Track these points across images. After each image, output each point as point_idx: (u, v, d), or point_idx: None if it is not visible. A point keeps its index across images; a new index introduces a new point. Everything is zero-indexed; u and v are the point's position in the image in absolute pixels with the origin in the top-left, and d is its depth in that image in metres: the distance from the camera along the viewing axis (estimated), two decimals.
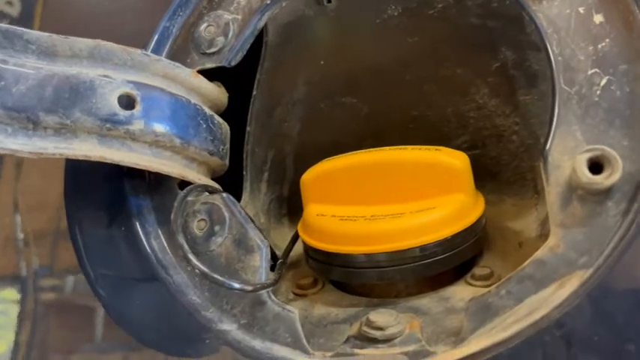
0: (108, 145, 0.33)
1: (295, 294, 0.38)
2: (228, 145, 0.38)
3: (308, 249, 0.37)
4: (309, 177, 0.37)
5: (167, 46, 0.38)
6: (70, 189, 0.40)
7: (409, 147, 0.36)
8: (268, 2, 0.37)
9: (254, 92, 0.40)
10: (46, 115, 0.31)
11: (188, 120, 0.35)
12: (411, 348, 0.31)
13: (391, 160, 0.35)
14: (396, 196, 0.34)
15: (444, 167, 0.34)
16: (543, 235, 0.34)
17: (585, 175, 0.29)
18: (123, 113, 0.32)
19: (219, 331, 0.34)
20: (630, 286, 0.33)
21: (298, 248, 0.39)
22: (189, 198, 0.35)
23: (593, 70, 0.31)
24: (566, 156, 0.30)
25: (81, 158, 0.32)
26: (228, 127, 0.38)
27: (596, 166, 0.29)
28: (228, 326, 0.34)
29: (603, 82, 0.30)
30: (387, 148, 0.36)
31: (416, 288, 0.35)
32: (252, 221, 0.35)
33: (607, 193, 0.29)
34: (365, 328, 0.32)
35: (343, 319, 0.34)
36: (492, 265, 0.35)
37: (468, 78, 0.41)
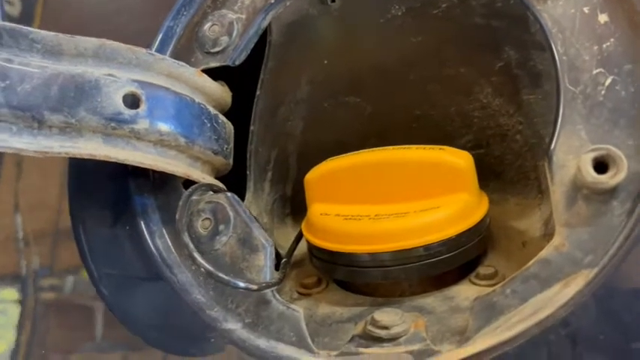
0: (113, 144, 0.33)
1: (299, 293, 0.38)
2: (232, 145, 0.38)
3: (312, 248, 0.37)
4: (313, 176, 0.37)
5: (171, 46, 0.39)
6: (74, 188, 0.40)
7: (413, 146, 0.36)
8: (272, 1, 0.37)
9: (258, 92, 0.40)
10: (51, 114, 0.31)
11: (192, 119, 0.35)
12: (416, 347, 0.31)
13: (395, 160, 0.36)
14: (400, 195, 0.35)
15: (448, 167, 0.34)
16: (547, 235, 0.34)
17: (590, 174, 0.29)
18: (128, 112, 0.32)
19: (224, 330, 0.34)
20: (636, 285, 0.33)
21: (302, 247, 0.39)
22: (194, 197, 0.35)
23: (597, 70, 0.31)
24: (570, 155, 0.30)
25: (86, 157, 0.32)
26: (232, 127, 0.38)
27: (601, 165, 0.29)
28: (233, 325, 0.34)
29: (608, 81, 0.31)
30: (391, 147, 0.36)
31: (420, 287, 0.35)
32: (257, 220, 0.35)
33: (612, 192, 0.29)
34: (370, 327, 0.32)
35: (348, 318, 0.35)
36: (496, 264, 0.35)
37: (471, 77, 0.41)
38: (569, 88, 0.31)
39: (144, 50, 0.34)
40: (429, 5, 0.39)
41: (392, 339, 0.31)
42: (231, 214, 0.35)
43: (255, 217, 0.35)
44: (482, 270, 0.35)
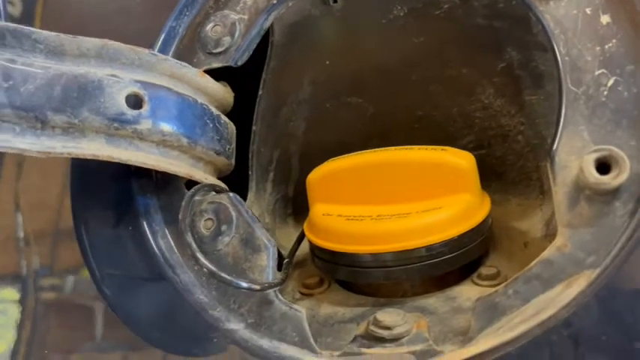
0: (116, 145, 0.33)
1: (302, 293, 0.38)
2: (234, 145, 0.38)
3: (314, 248, 0.37)
4: (316, 177, 0.37)
5: (173, 46, 0.39)
6: (76, 188, 0.40)
7: (415, 147, 0.36)
8: (275, 2, 0.37)
9: (260, 92, 0.41)
10: (54, 115, 0.31)
11: (195, 119, 0.35)
12: (418, 347, 0.31)
13: (397, 160, 0.36)
14: (403, 195, 0.35)
15: (450, 167, 0.34)
16: (549, 235, 0.34)
17: (593, 175, 0.29)
18: (131, 113, 0.33)
19: (227, 330, 0.34)
20: (638, 285, 0.33)
21: (304, 248, 0.39)
22: (197, 197, 0.35)
23: (600, 71, 0.31)
24: (573, 156, 0.30)
25: (89, 157, 0.32)
26: (234, 127, 0.38)
27: (603, 166, 0.29)
28: (236, 325, 0.34)
29: (610, 82, 0.31)
30: (393, 148, 0.36)
31: (422, 288, 0.36)
32: (259, 221, 0.35)
33: (614, 193, 0.29)
34: (372, 328, 0.32)
35: (350, 318, 0.35)
36: (498, 264, 0.36)
37: (473, 78, 0.41)
38: (571, 88, 0.31)
39: (146, 51, 0.34)
40: (431, 6, 0.39)
41: (394, 339, 0.31)
42: (233, 214, 0.35)
43: (257, 218, 0.35)
44: (484, 270, 0.35)
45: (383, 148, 0.37)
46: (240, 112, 0.39)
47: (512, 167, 0.41)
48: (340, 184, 0.36)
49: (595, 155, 0.29)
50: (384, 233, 0.34)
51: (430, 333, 0.31)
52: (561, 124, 0.31)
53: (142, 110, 0.33)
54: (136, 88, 0.33)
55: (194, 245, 0.32)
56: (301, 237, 0.38)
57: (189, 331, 0.39)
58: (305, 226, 0.38)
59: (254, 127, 0.41)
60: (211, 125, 0.36)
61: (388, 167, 0.35)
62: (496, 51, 0.39)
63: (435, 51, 0.41)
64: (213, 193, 0.36)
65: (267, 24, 0.38)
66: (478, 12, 0.39)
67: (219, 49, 0.38)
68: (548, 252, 0.30)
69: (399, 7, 0.40)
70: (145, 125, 0.33)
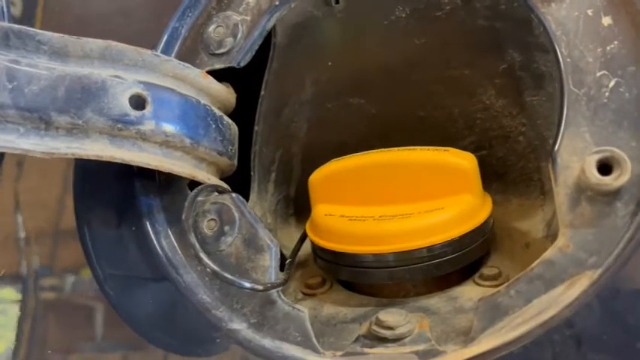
0: (119, 145, 0.33)
1: (304, 293, 0.38)
2: (236, 146, 0.38)
3: (316, 249, 0.37)
4: (318, 177, 0.37)
5: (176, 47, 0.39)
6: (79, 189, 0.40)
7: (417, 148, 0.36)
8: (277, 3, 0.37)
9: (262, 93, 0.41)
10: (58, 116, 0.31)
11: (198, 120, 0.35)
12: (420, 347, 0.31)
13: (399, 161, 0.36)
14: (405, 196, 0.35)
15: (452, 168, 0.34)
16: (550, 236, 0.35)
17: (594, 176, 0.29)
18: (134, 113, 0.33)
19: (230, 330, 0.34)
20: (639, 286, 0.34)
21: (306, 248, 0.39)
22: (200, 198, 0.35)
23: (601, 72, 0.31)
24: (575, 157, 0.30)
25: (92, 158, 0.32)
26: (236, 128, 0.38)
27: (605, 167, 0.29)
28: (239, 325, 0.34)
29: (612, 83, 0.31)
30: (395, 148, 0.37)
31: (424, 288, 0.36)
32: (262, 221, 0.35)
33: (616, 194, 0.29)
34: (375, 328, 0.32)
35: (352, 318, 0.35)
36: (500, 265, 0.36)
37: (475, 79, 0.41)
38: (572, 90, 0.31)
39: (149, 52, 0.34)
40: (432, 7, 0.39)
41: (397, 339, 0.31)
42: (236, 214, 0.35)
43: (259, 218, 0.35)
44: (486, 271, 0.35)
45: (385, 149, 0.37)
46: (243, 113, 0.39)
47: (513, 168, 0.41)
48: (342, 184, 0.36)
49: (597, 156, 0.29)
50: (386, 234, 0.34)
51: (432, 333, 0.31)
52: (563, 125, 0.31)
53: (145, 111, 0.33)
54: (139, 89, 0.33)
55: (197, 245, 0.32)
56: (303, 237, 0.39)
57: (191, 331, 0.39)
58: (307, 226, 0.38)
59: (256, 128, 0.41)
60: (214, 126, 0.36)
61: (390, 168, 0.36)
62: (497, 52, 0.39)
63: (437, 52, 0.41)
64: (216, 193, 0.36)
65: (270, 25, 0.38)
66: (480, 13, 0.39)
67: (221, 50, 0.38)
68: (550, 252, 0.30)
69: (400, 9, 0.40)
70: (148, 126, 0.33)
